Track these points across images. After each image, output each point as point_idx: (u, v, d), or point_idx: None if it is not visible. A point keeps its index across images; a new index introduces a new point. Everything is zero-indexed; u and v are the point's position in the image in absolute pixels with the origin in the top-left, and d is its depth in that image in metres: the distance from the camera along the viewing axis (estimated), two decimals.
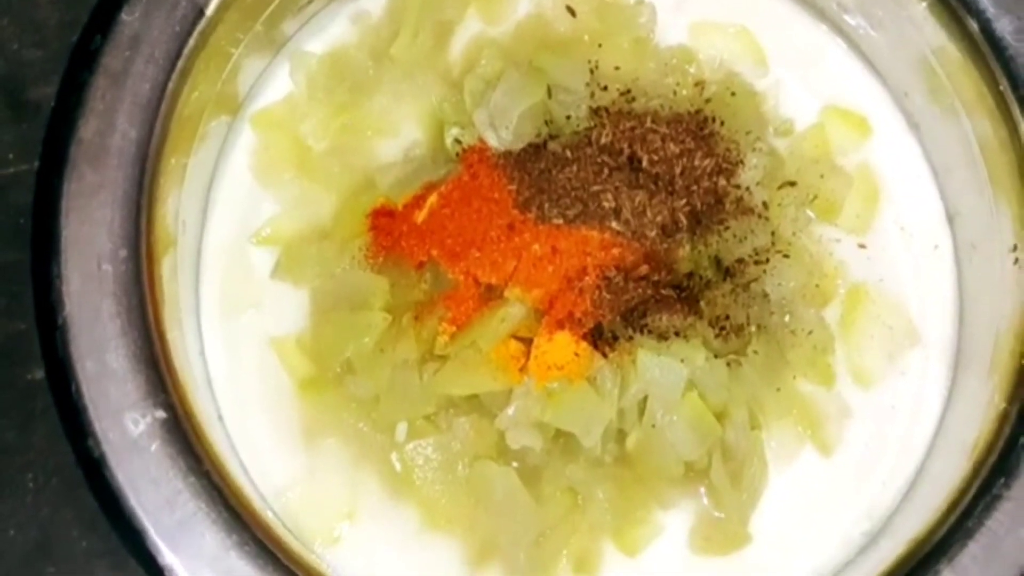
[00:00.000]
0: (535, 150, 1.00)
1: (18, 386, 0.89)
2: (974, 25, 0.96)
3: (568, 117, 1.00)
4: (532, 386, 0.92)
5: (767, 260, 0.98)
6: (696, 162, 0.99)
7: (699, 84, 1.04)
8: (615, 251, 0.96)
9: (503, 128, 0.99)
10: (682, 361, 0.93)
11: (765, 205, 1.00)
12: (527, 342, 0.94)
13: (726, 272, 0.98)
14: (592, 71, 1.02)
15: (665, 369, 0.93)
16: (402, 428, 0.95)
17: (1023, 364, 0.92)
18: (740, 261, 0.98)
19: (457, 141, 1.01)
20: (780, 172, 1.02)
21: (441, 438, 0.94)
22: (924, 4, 0.99)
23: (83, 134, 0.89)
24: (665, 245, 0.97)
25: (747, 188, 1.00)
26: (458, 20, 1.07)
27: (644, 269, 0.96)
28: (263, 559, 0.83)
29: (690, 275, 0.97)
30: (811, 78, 1.08)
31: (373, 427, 0.95)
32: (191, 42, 0.93)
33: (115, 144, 0.89)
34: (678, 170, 0.98)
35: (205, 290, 1.00)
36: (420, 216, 0.98)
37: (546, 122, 1.00)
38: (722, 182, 0.99)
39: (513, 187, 0.98)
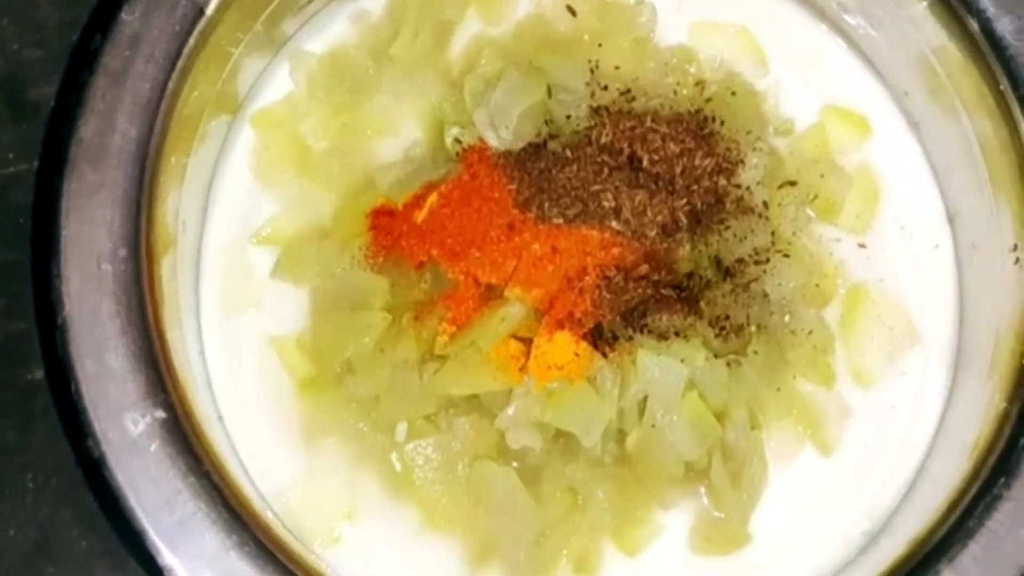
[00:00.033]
0: (535, 150, 1.00)
1: (18, 386, 0.89)
2: (974, 25, 0.96)
3: (568, 117, 1.00)
4: (532, 386, 0.92)
5: (767, 260, 0.98)
6: (696, 162, 0.99)
7: (699, 84, 1.04)
8: (615, 251, 0.96)
9: (503, 128, 0.99)
10: (682, 361, 0.93)
11: (765, 205, 1.00)
12: (527, 342, 0.94)
13: (726, 272, 0.98)
14: (592, 71, 1.02)
15: (665, 369, 0.93)
16: (402, 428, 0.95)
17: (1023, 364, 0.92)
18: (740, 261, 0.98)
19: (457, 141, 1.01)
20: (780, 172, 1.02)
21: (441, 438, 0.94)
22: (924, 4, 0.99)
23: (83, 134, 0.89)
24: (665, 245, 0.97)
25: (747, 188, 1.00)
26: (458, 20, 1.07)
27: (644, 269, 0.96)
28: (263, 559, 0.83)
29: (690, 275, 0.97)
30: (811, 78, 1.08)
31: (373, 427, 0.95)
32: (191, 42, 0.92)
33: (115, 144, 0.89)
34: (678, 170, 0.98)
35: (205, 290, 1.00)
36: (420, 216, 0.98)
37: (546, 122, 1.00)
38: (722, 182, 0.99)
39: (513, 187, 0.98)
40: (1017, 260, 0.95)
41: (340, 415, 0.96)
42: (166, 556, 0.83)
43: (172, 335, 0.89)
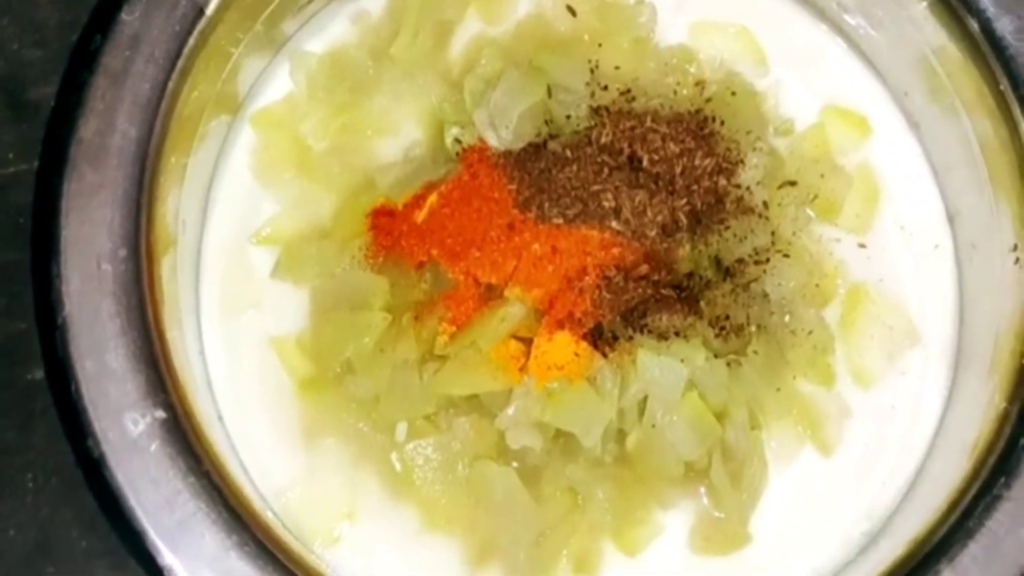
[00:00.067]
0: (535, 150, 1.00)
1: (18, 386, 0.89)
2: (974, 25, 0.96)
3: (568, 117, 1.00)
4: (532, 386, 0.92)
5: (767, 260, 0.98)
6: (696, 162, 0.99)
7: (699, 84, 1.04)
8: (615, 251, 0.96)
9: (503, 128, 0.99)
10: (682, 361, 0.93)
11: (765, 205, 1.00)
12: (527, 342, 0.94)
13: (726, 272, 0.98)
14: (592, 71, 1.02)
15: (665, 369, 0.93)
16: (402, 428, 0.95)
17: (1023, 364, 0.92)
18: (740, 261, 0.98)
19: (457, 141, 1.01)
20: (780, 172, 1.02)
21: (441, 438, 0.94)
22: (924, 4, 0.99)
23: (83, 134, 0.89)
24: (665, 245, 0.97)
25: (747, 188, 1.00)
26: (458, 20, 1.07)
27: (644, 269, 0.96)
28: (263, 559, 0.83)
29: (690, 275, 0.97)
30: (811, 78, 1.08)
31: (373, 427, 0.95)
32: (191, 42, 0.92)
33: (115, 144, 0.89)
34: (678, 170, 0.98)
35: (205, 290, 1.00)
36: (420, 216, 0.98)
37: (546, 122, 1.00)
38: (722, 182, 0.99)
39: (513, 187, 0.98)
40: (1017, 260, 0.95)
41: (340, 415, 0.96)
42: (166, 556, 0.83)
43: (172, 335, 0.89)
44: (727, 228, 0.98)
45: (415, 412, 0.94)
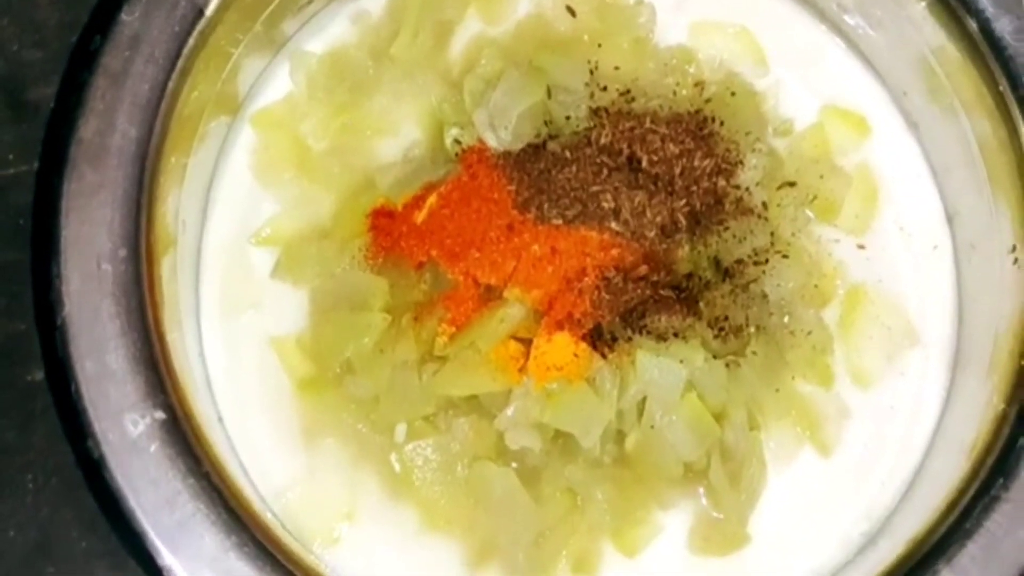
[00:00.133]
0: (534, 150, 1.00)
1: (18, 386, 0.89)
2: (973, 25, 0.96)
3: (568, 117, 1.00)
4: (531, 387, 0.92)
5: (766, 260, 0.98)
6: (696, 162, 0.99)
7: (699, 84, 1.04)
8: (614, 252, 0.96)
9: (503, 128, 0.99)
10: (681, 362, 0.93)
11: (764, 205, 1.00)
12: (526, 343, 0.94)
13: (725, 273, 0.98)
14: (592, 71, 1.02)
15: (664, 370, 0.93)
16: (401, 429, 0.95)
17: (1022, 365, 0.92)
18: (739, 262, 0.98)
19: (457, 141, 1.01)
20: (779, 172, 1.02)
21: (440, 439, 0.94)
22: (923, 4, 0.99)
23: (83, 134, 0.89)
24: (664, 246, 0.97)
25: (746, 188, 1.00)
26: (458, 20, 1.07)
27: (643, 270, 0.96)
28: (262, 560, 0.83)
29: (689, 276, 0.97)
30: (811, 78, 1.08)
31: (372, 428, 0.95)
32: (191, 42, 0.92)
33: (115, 144, 0.89)
34: (677, 170, 0.98)
35: (205, 290, 1.00)
36: (420, 216, 0.98)
37: (545, 122, 1.00)
38: (721, 182, 0.99)
39: (512, 187, 0.98)
40: (1016, 261, 0.95)
41: (340, 416, 0.96)
42: (166, 557, 0.83)
43: (172, 336, 0.89)
44: (726, 229, 0.98)
45: (414, 413, 0.94)
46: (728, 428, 0.95)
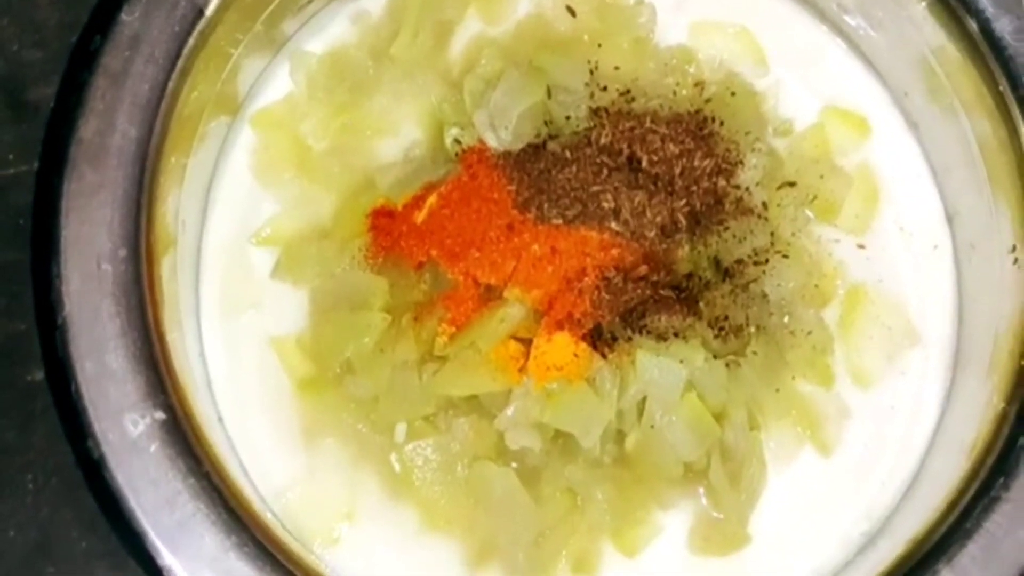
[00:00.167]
0: (534, 150, 1.00)
1: (18, 386, 0.89)
2: (973, 25, 0.96)
3: (568, 117, 1.00)
4: (531, 387, 0.92)
5: (766, 261, 0.98)
6: (696, 162, 0.99)
7: (699, 84, 1.04)
8: (614, 251, 0.96)
9: (503, 128, 0.99)
10: (681, 362, 0.93)
11: (764, 205, 1.00)
12: (526, 343, 0.94)
13: (725, 273, 0.98)
14: (592, 71, 1.02)
15: (664, 370, 0.93)
16: (401, 429, 0.95)
17: (1022, 364, 0.92)
18: (739, 262, 0.98)
19: (457, 141, 1.01)
20: (779, 172, 1.02)
21: (440, 439, 0.94)
22: (923, 4, 0.99)
23: (83, 134, 0.89)
24: (664, 246, 0.97)
25: (746, 188, 1.00)
26: (458, 20, 1.07)
27: (643, 270, 0.96)
28: (262, 560, 0.83)
29: (689, 276, 0.97)
30: (811, 78, 1.08)
31: (372, 428, 0.95)
32: (191, 42, 0.92)
33: (115, 144, 0.89)
34: (677, 170, 0.98)
35: (205, 290, 1.00)
36: (420, 216, 0.98)
37: (546, 122, 1.00)
38: (721, 182, 0.99)
39: (512, 187, 0.98)
40: (1016, 261, 0.95)
41: (340, 416, 0.96)
42: (166, 557, 0.83)
43: (172, 336, 0.89)
44: (726, 229, 0.98)
45: (414, 413, 0.94)
46: (728, 428, 0.95)
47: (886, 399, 1.01)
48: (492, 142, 1.00)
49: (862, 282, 1.02)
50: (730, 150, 1.01)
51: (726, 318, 0.96)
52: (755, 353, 0.97)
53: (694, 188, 0.98)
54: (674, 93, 1.03)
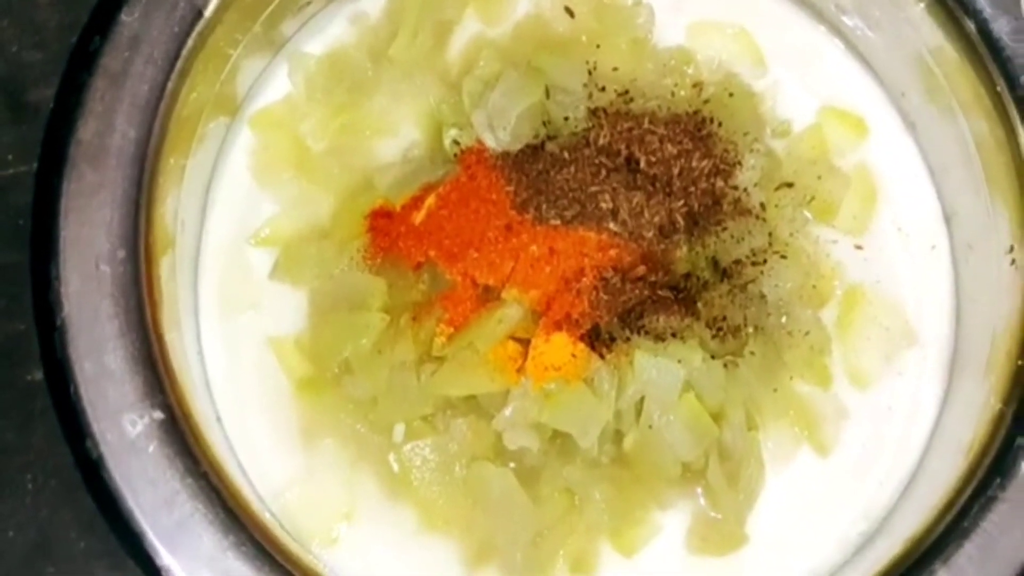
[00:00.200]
0: (533, 151, 1.00)
1: (17, 387, 0.90)
2: (971, 25, 0.96)
3: (566, 118, 1.00)
4: (529, 387, 0.92)
5: (764, 261, 0.98)
6: (694, 163, 0.99)
7: (697, 85, 1.04)
8: (612, 252, 0.96)
9: (501, 129, 0.99)
10: (679, 362, 0.93)
11: (762, 206, 1.00)
12: (524, 343, 0.94)
13: (723, 273, 0.98)
14: (590, 72, 1.02)
15: (662, 370, 0.93)
16: (400, 429, 0.95)
17: (1019, 365, 0.92)
18: (737, 262, 0.98)
19: (455, 142, 1.01)
20: (777, 173, 1.02)
21: (439, 439, 0.94)
22: (921, 5, 0.99)
23: (82, 135, 0.89)
24: (662, 246, 0.97)
25: (744, 189, 1.00)
26: (457, 21, 1.07)
27: (641, 270, 0.96)
28: (261, 560, 0.84)
29: (687, 276, 0.97)
30: (809, 79, 1.08)
31: (371, 428, 0.95)
32: (190, 43, 0.93)
33: (114, 145, 0.89)
34: (676, 171, 0.98)
35: (204, 290, 1.00)
36: (418, 217, 0.98)
37: (544, 123, 1.00)
38: (719, 183, 0.99)
39: (511, 188, 0.98)
40: (1013, 261, 0.96)
41: (338, 416, 0.96)
42: (164, 557, 0.83)
43: (171, 336, 0.90)
44: (724, 229, 0.98)
45: (413, 413, 0.94)
46: (726, 428, 0.95)
47: (884, 399, 1.01)
48: (490, 143, 1.00)
49: (860, 282, 1.02)
50: (728, 151, 1.01)
51: (724, 318, 0.96)
52: (753, 353, 0.97)
53: (692, 189, 0.98)
54: (672, 94, 1.03)
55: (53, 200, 0.88)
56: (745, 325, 0.97)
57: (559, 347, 0.93)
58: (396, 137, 1.04)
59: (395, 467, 0.95)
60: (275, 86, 1.05)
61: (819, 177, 1.02)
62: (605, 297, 0.94)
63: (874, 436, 1.00)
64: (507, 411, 0.92)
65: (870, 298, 1.02)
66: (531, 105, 1.00)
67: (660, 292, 0.95)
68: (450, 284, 0.96)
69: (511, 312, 0.94)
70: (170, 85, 0.92)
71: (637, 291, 0.95)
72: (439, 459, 0.94)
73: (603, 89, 1.02)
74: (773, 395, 0.98)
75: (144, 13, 0.92)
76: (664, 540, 0.96)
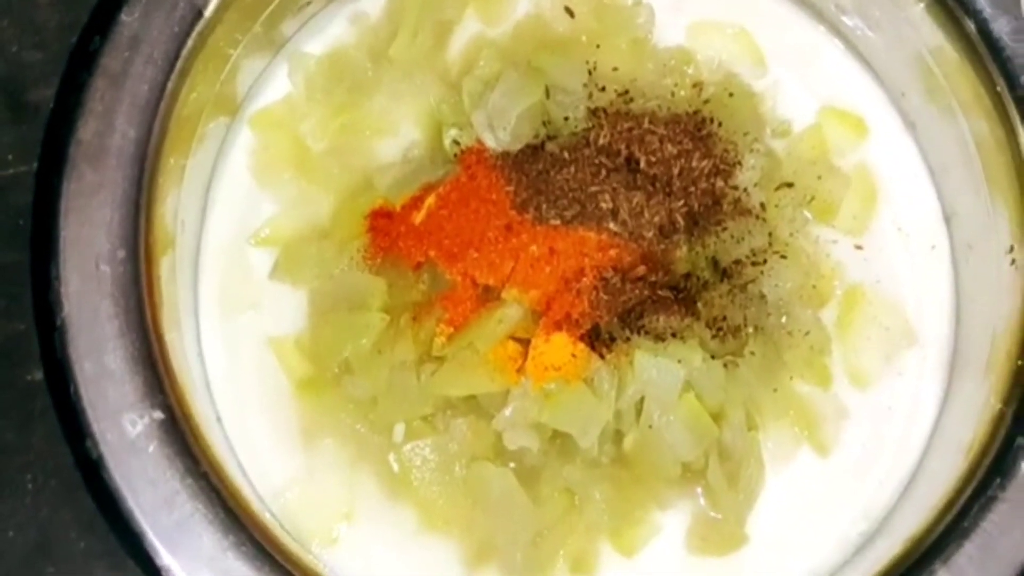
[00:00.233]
0: (533, 151, 1.00)
1: (18, 387, 0.90)
2: (971, 25, 0.96)
3: (566, 118, 1.00)
4: (529, 387, 0.92)
5: (764, 261, 0.98)
6: (694, 163, 0.99)
7: (697, 85, 1.04)
8: (612, 252, 0.96)
9: (501, 129, 0.99)
10: (679, 362, 0.93)
11: (762, 206, 1.00)
12: (524, 343, 0.94)
13: (723, 273, 0.98)
14: (590, 72, 1.02)
15: (662, 370, 0.93)
16: (400, 429, 0.95)
17: (1019, 365, 0.92)
18: (737, 262, 0.98)
19: (455, 142, 1.01)
20: (777, 173, 1.02)
21: (438, 439, 0.94)
22: (921, 5, 0.99)
23: (82, 135, 0.89)
24: (662, 246, 0.97)
25: (744, 189, 1.00)
26: (457, 20, 1.07)
27: (641, 270, 0.96)
28: (261, 560, 0.84)
29: (687, 276, 0.97)
30: (809, 79, 1.08)
31: (371, 428, 0.96)
32: (190, 43, 0.93)
33: (114, 145, 0.89)
34: (676, 171, 0.98)
35: (204, 290, 1.00)
36: (418, 217, 0.98)
37: (544, 123, 1.00)
38: (719, 183, 0.99)
39: (511, 188, 0.98)
40: (1013, 261, 0.96)
41: (338, 416, 0.96)
42: (164, 556, 0.83)
43: (171, 336, 0.90)
44: (724, 229, 0.98)
45: (413, 413, 0.94)
46: (726, 428, 0.95)
47: (884, 399, 1.01)
48: (490, 143, 1.00)
49: (860, 282, 1.02)
50: (728, 151, 1.01)
51: (724, 318, 0.96)
52: (753, 353, 0.97)
53: (692, 189, 0.98)
54: (672, 94, 1.03)
55: (53, 200, 0.88)
56: (745, 325, 0.97)
57: (559, 347, 0.93)
58: (396, 137, 1.04)
59: (395, 467, 0.95)
60: (275, 86, 1.05)
61: (819, 177, 1.02)
62: (605, 297, 0.94)
63: (874, 436, 1.00)
64: (507, 411, 0.92)
65: (870, 298, 1.02)
66: (531, 105, 1.00)
67: (660, 292, 0.95)
68: (450, 284, 0.96)
69: (511, 312, 0.94)
70: (170, 85, 0.92)
71: (637, 291, 0.95)
72: (439, 459, 0.94)
73: (603, 89, 1.02)
74: (773, 395, 0.98)
75: (144, 13, 0.92)
76: (664, 540, 0.96)
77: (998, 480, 0.88)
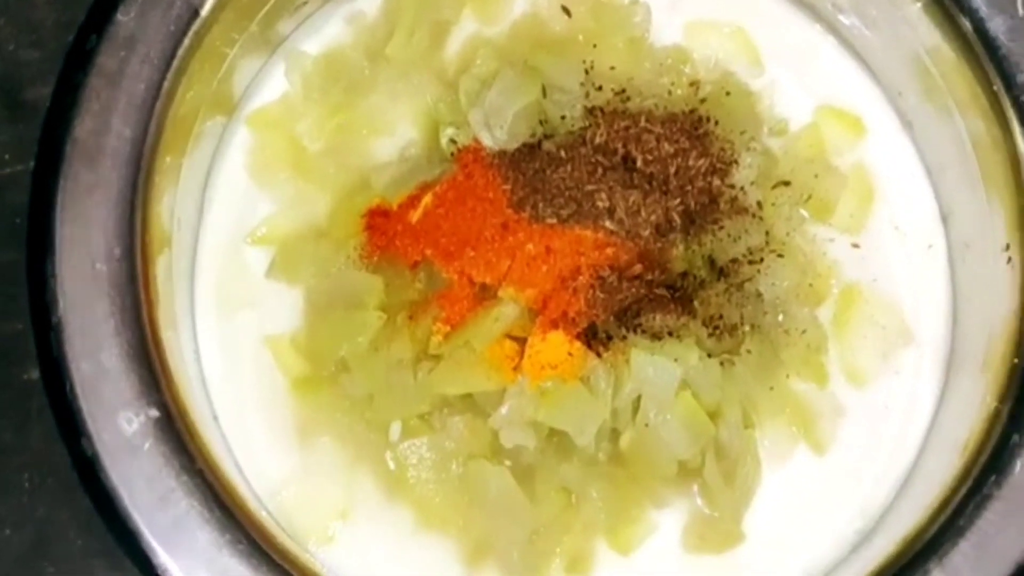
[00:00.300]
0: (530, 150, 1.00)
1: (14, 386, 0.90)
2: (967, 24, 0.96)
3: (563, 117, 1.00)
4: (526, 385, 0.93)
5: (761, 260, 0.98)
6: (690, 162, 0.99)
7: (694, 84, 1.04)
8: (609, 251, 0.96)
9: (498, 128, 1.00)
10: (676, 360, 0.93)
11: (759, 205, 1.00)
12: (521, 341, 0.94)
13: (720, 272, 0.98)
14: (587, 71, 1.02)
15: (659, 368, 0.93)
16: (396, 427, 0.95)
17: (1015, 363, 0.92)
18: (734, 261, 0.98)
19: (452, 141, 1.01)
20: (774, 172, 1.02)
21: (435, 437, 0.94)
22: (918, 4, 0.99)
23: (78, 134, 0.89)
24: (659, 245, 0.97)
25: (741, 188, 1.00)
26: (454, 20, 1.07)
27: (638, 269, 0.96)
28: (257, 558, 0.84)
29: (684, 275, 0.98)
30: (806, 78, 1.08)
31: (367, 426, 0.96)
32: (186, 42, 0.93)
33: (110, 144, 0.89)
34: (672, 170, 0.98)
35: (200, 289, 1.00)
36: (415, 216, 0.98)
37: (541, 122, 1.00)
38: (716, 182, 0.99)
39: (508, 187, 0.98)
40: (1009, 260, 0.96)
41: (334, 414, 0.96)
42: (160, 555, 0.83)
43: (167, 335, 0.90)
44: (721, 228, 0.98)
45: (409, 411, 0.94)
46: (722, 426, 0.95)
47: (880, 398, 1.01)
48: (487, 141, 1.00)
49: (856, 281, 1.02)
50: (725, 149, 1.01)
51: (720, 317, 0.96)
52: (749, 352, 0.97)
53: (689, 187, 0.98)
54: (669, 93, 1.03)
55: (49, 199, 0.88)
56: (742, 323, 0.97)
57: (555, 345, 0.93)
58: (393, 136, 1.04)
59: (392, 465, 0.95)
60: (272, 85, 1.05)
61: (816, 176, 1.02)
62: (602, 296, 0.94)
63: (870, 434, 1.00)
64: (503, 409, 0.92)
65: (867, 296, 1.02)
66: (528, 104, 1.00)
67: (657, 291, 0.96)
68: (447, 282, 0.96)
69: (507, 310, 0.94)
70: (166, 84, 0.92)
71: (634, 290, 0.95)
72: (436, 457, 0.94)
73: (600, 88, 1.02)
74: (769, 393, 0.98)
75: (140, 12, 0.92)
76: (660, 538, 0.96)
77: (994, 478, 0.88)
